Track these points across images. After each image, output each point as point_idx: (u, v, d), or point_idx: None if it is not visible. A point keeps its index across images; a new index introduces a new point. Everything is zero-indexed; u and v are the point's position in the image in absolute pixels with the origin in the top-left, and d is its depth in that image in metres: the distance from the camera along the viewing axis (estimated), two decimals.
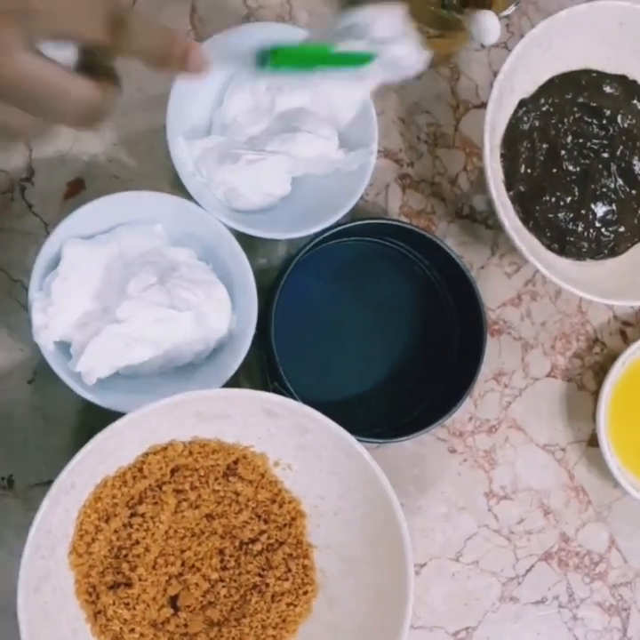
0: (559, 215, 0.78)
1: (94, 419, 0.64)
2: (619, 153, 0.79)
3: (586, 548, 0.81)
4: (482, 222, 0.81)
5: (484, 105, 0.75)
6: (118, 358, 0.66)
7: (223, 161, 0.69)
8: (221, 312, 0.68)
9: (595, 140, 0.79)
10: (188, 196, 0.68)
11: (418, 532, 0.78)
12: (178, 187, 0.69)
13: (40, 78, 0.47)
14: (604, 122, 0.79)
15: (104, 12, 0.47)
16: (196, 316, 0.67)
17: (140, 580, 0.66)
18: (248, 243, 0.70)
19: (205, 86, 0.71)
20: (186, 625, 0.69)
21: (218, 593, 0.70)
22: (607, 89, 0.80)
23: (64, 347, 0.67)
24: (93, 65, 0.51)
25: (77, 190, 0.72)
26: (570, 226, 0.78)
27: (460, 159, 0.81)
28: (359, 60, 0.58)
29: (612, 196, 0.79)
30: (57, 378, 0.65)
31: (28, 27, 0.46)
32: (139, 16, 0.48)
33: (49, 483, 0.60)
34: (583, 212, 0.78)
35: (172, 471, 0.68)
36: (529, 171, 0.78)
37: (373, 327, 0.77)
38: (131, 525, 0.67)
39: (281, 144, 0.70)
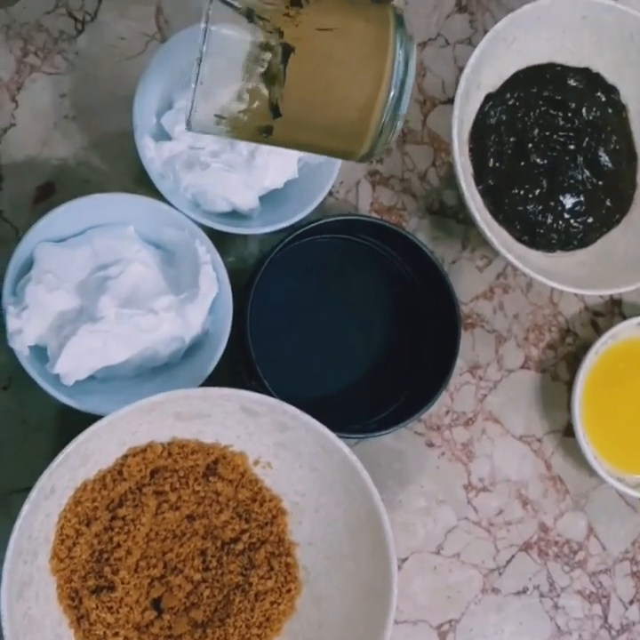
0: (528, 207, 0.79)
1: (73, 424, 0.63)
2: (585, 145, 0.80)
3: (565, 537, 0.82)
4: (452, 217, 0.82)
5: (450, 100, 0.75)
6: (96, 358, 0.65)
7: (192, 166, 0.69)
8: (200, 305, 0.67)
9: (561, 133, 0.79)
10: (159, 198, 0.68)
11: (398, 526, 0.78)
12: (148, 189, 0.69)
13: None
14: (570, 114, 0.79)
15: None
16: (174, 312, 0.67)
17: (122, 583, 0.66)
18: (220, 242, 0.70)
19: (162, 87, 0.71)
20: (170, 627, 0.68)
21: (201, 594, 0.69)
22: (571, 82, 0.80)
23: (40, 351, 0.66)
24: None
25: (47, 195, 0.72)
26: (539, 218, 0.79)
27: (428, 155, 0.81)
28: None
29: (580, 188, 0.80)
30: (34, 383, 0.65)
31: None
32: None
33: (28, 489, 0.60)
34: (552, 203, 0.79)
35: (152, 473, 0.68)
36: (497, 164, 0.79)
37: (349, 324, 0.77)
38: (111, 528, 0.66)
39: (243, 167, 0.70)
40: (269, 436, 0.69)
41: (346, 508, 0.69)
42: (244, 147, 0.70)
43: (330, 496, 0.69)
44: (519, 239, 0.79)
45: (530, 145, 0.79)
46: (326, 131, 0.56)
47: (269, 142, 0.57)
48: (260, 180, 0.71)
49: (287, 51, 0.53)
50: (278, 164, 0.70)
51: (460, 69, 0.74)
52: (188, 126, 0.55)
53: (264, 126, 0.55)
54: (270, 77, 0.53)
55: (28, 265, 0.66)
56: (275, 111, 0.54)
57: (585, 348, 0.82)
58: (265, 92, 0.53)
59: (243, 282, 0.72)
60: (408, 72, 0.55)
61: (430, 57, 0.82)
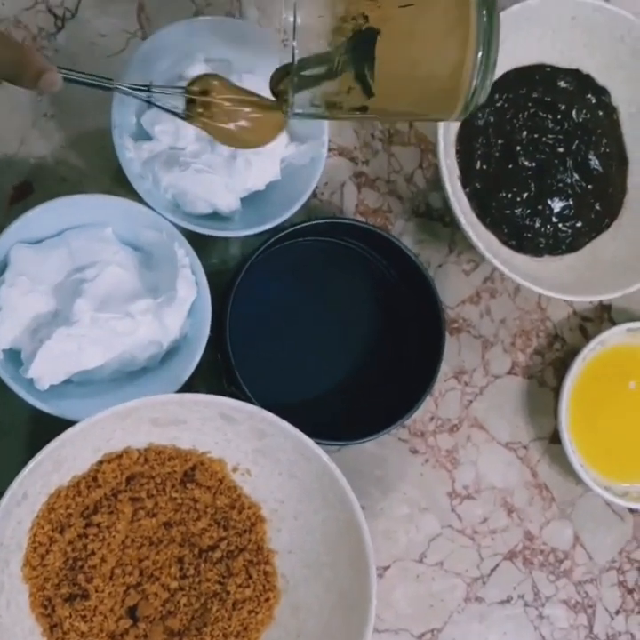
0: (516, 211, 0.77)
1: (47, 428, 0.62)
2: (574, 147, 0.78)
3: (550, 546, 0.81)
4: (439, 220, 0.81)
5: None
6: (71, 363, 0.64)
7: (171, 166, 0.68)
8: (178, 309, 0.66)
9: (550, 135, 0.78)
10: (137, 198, 0.67)
11: (381, 534, 0.77)
12: (127, 188, 0.68)
13: None
14: (559, 117, 0.78)
15: None
16: (152, 315, 0.65)
17: (96, 591, 0.65)
18: (200, 244, 0.69)
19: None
20: (145, 636, 0.67)
21: (178, 602, 0.68)
22: (561, 83, 0.79)
23: (14, 355, 0.65)
24: None
25: (25, 194, 0.71)
26: (527, 222, 0.78)
27: (415, 156, 0.80)
28: None
29: (569, 191, 0.79)
30: (7, 387, 0.64)
31: None
32: None
33: (0, 494, 0.58)
34: (540, 207, 0.78)
35: (128, 479, 0.67)
36: (485, 167, 0.77)
37: (331, 328, 0.76)
38: (86, 536, 0.65)
39: (224, 168, 0.69)
40: (248, 443, 0.68)
41: (325, 516, 0.68)
42: (225, 148, 0.68)
43: (309, 504, 0.68)
44: (506, 243, 0.78)
45: (518, 147, 0.77)
46: (419, 100, 0.58)
47: (366, 119, 0.62)
48: (242, 182, 0.69)
49: (373, 33, 0.54)
50: (260, 165, 0.69)
51: None
52: (288, 115, 0.58)
53: (359, 106, 0.57)
54: (360, 61, 0.55)
55: (3, 267, 0.64)
56: (368, 92, 0.56)
57: (573, 353, 0.81)
58: (355, 75, 0.55)
59: (224, 285, 0.71)
60: (493, 30, 0.55)
61: None
